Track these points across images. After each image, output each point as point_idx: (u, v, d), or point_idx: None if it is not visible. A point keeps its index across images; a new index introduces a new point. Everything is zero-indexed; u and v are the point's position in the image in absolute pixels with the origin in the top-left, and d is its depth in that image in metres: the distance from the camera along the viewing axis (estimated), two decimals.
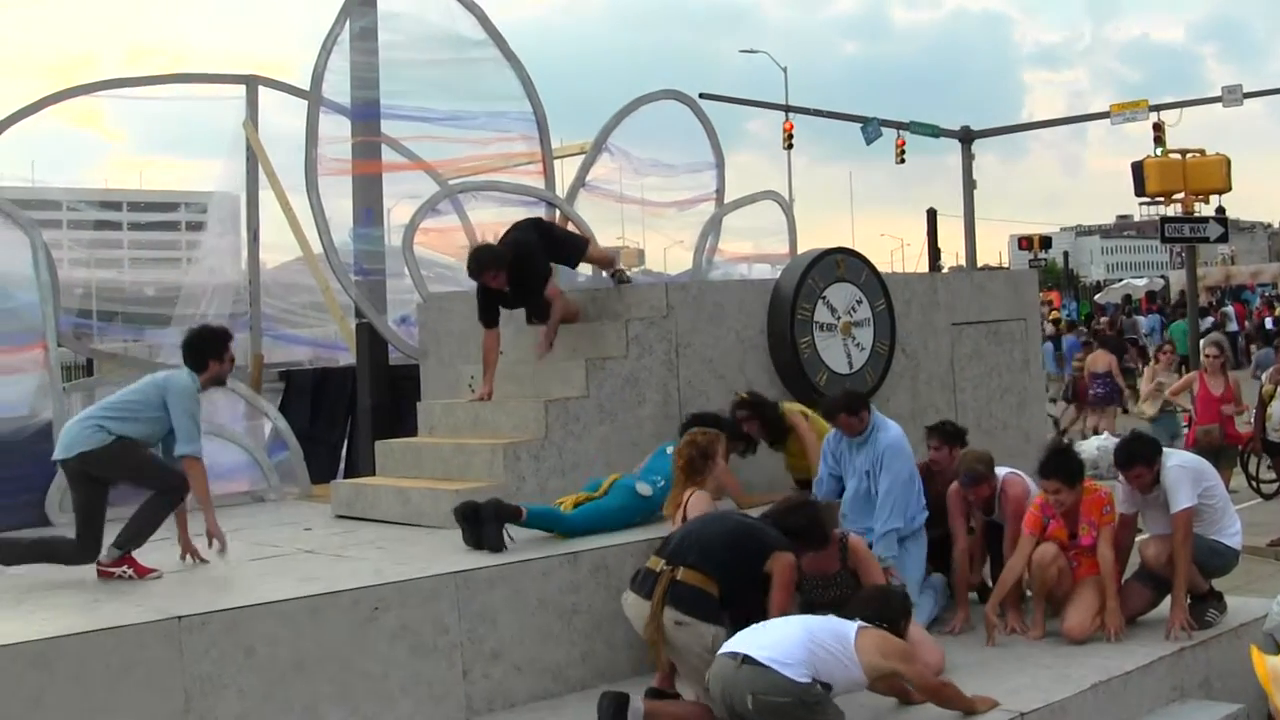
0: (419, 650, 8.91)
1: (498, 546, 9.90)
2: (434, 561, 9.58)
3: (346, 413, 16.26)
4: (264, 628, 8.33)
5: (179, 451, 9.73)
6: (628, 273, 13.02)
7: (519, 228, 12.82)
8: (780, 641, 8.05)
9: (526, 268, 12.18)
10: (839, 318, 13.39)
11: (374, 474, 12.84)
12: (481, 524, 10.02)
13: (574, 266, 13.78)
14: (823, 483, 11.28)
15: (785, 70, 64.90)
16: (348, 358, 18.36)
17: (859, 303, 13.62)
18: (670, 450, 10.77)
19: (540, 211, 16.60)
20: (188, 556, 9.99)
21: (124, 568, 9.52)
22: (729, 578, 8.51)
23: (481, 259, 12.13)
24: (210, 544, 9.85)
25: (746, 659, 7.94)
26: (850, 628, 8.28)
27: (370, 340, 15.48)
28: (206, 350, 10.10)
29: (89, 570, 9.54)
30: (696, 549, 8.57)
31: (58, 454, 9.73)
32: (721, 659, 8.09)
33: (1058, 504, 10.30)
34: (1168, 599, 10.42)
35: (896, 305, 13.95)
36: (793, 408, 12.18)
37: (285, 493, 14.08)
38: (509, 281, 12.11)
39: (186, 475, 9.78)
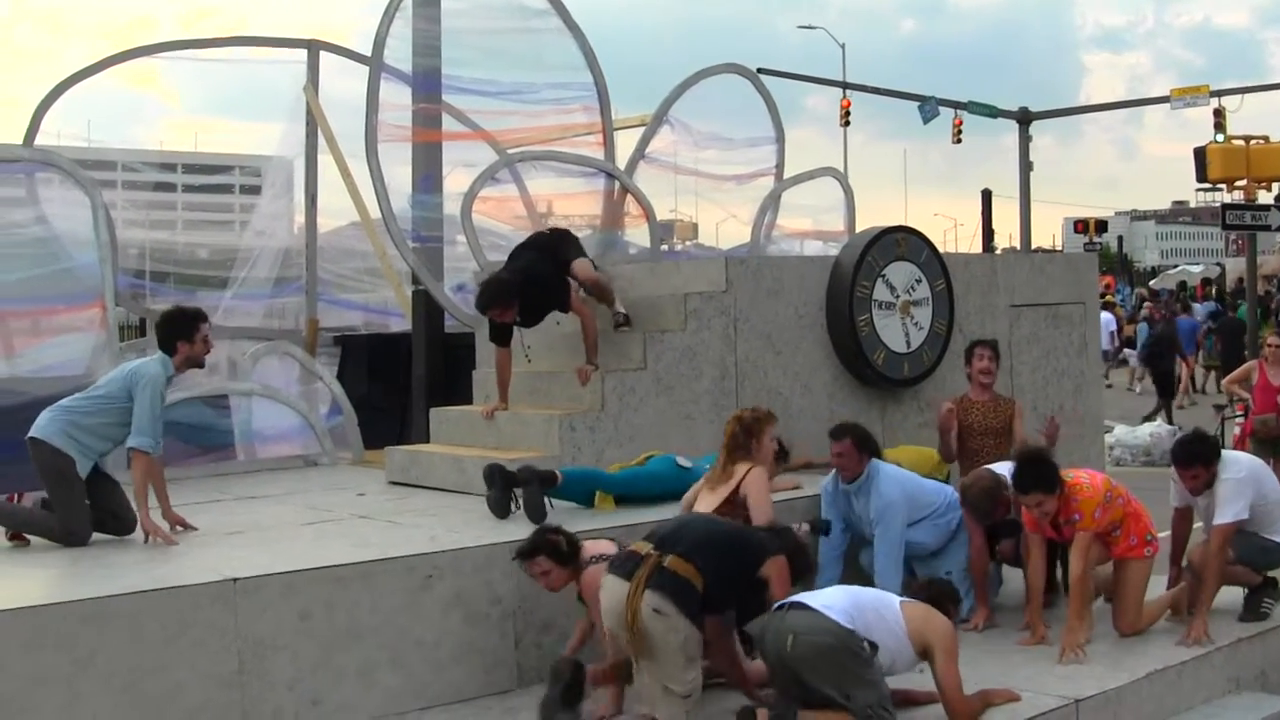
0: (471, 619, 8.93)
1: (539, 515, 9.90)
2: (488, 530, 9.58)
3: (402, 379, 16.23)
4: (319, 592, 8.33)
5: (129, 443, 9.58)
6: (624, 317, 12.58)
7: (533, 247, 12.49)
8: (825, 596, 8.07)
9: (537, 295, 11.89)
10: (898, 296, 13.34)
11: (428, 441, 12.85)
12: (519, 488, 10.08)
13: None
14: (832, 525, 10.77)
15: (843, 47, 64.86)
16: (398, 323, 18.36)
17: (918, 282, 13.56)
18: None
19: (599, 184, 16.58)
20: (176, 527, 9.87)
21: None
22: (716, 576, 8.08)
23: (488, 296, 11.77)
24: (146, 539, 9.48)
25: (794, 604, 7.92)
26: (894, 599, 8.25)
27: (426, 307, 15.45)
28: (175, 333, 9.89)
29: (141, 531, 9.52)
30: (688, 541, 8.22)
31: (30, 432, 9.68)
32: (769, 613, 8.02)
33: (1042, 514, 9.74)
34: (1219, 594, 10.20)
35: (956, 285, 13.89)
36: (894, 458, 11.60)
37: (338, 458, 14.08)
38: (520, 310, 11.84)
39: (131, 466, 9.65)
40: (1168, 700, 9.22)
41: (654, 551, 8.06)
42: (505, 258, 14.83)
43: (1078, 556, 9.66)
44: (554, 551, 8.63)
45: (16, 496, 9.63)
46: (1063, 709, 8.44)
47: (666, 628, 7.83)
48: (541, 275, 11.95)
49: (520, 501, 10.10)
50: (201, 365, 10.34)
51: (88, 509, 9.52)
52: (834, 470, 10.67)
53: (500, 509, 10.09)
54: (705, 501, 9.87)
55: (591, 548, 8.78)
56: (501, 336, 11.97)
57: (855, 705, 7.65)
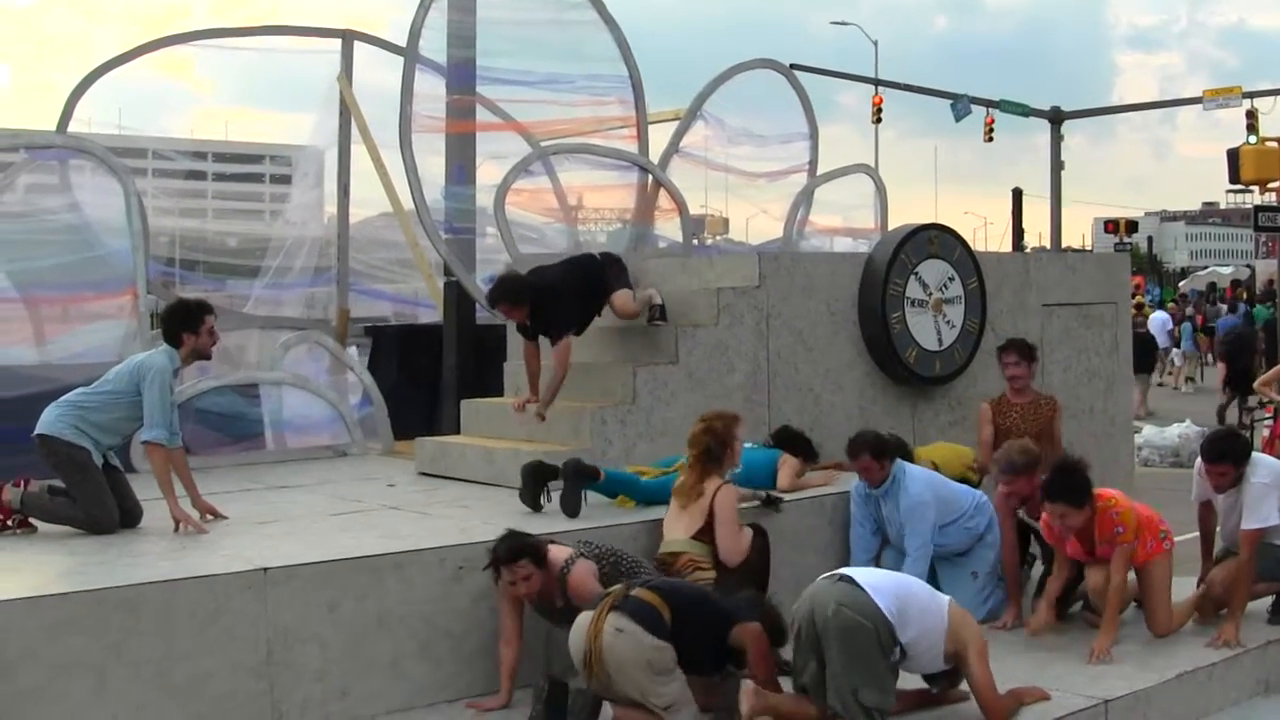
0: None
1: (574, 510, 9.88)
2: (520, 523, 9.52)
3: (432, 370, 16.22)
4: (349, 582, 8.33)
5: (142, 437, 9.63)
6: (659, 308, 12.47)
7: (575, 266, 12.22)
8: (880, 577, 8.10)
9: (545, 312, 11.66)
10: (931, 294, 13.32)
11: (458, 433, 12.85)
12: (556, 482, 10.03)
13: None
14: (855, 527, 10.76)
15: (876, 43, 64.77)
16: (427, 314, 18.37)
17: (951, 280, 13.54)
18: (749, 446, 10.68)
19: (632, 177, 16.53)
20: (207, 515, 9.87)
21: (10, 521, 9.56)
22: (683, 618, 7.84)
23: (498, 292, 11.68)
24: (177, 528, 9.47)
25: (845, 577, 7.92)
26: (945, 597, 8.25)
27: (458, 299, 15.43)
28: (179, 324, 9.90)
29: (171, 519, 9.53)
30: (657, 584, 8.16)
31: (36, 430, 9.69)
32: (818, 581, 8.02)
33: (1065, 528, 9.66)
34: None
35: (988, 284, 13.89)
36: (928, 456, 11.80)
37: (368, 448, 14.10)
38: (529, 316, 11.68)
39: (148, 459, 9.71)
40: (1197, 702, 9.19)
41: (620, 588, 7.99)
42: (537, 250, 14.82)
43: (1119, 567, 9.64)
44: (535, 555, 8.39)
45: (24, 482, 9.60)
46: (1092, 709, 8.42)
47: (631, 645, 7.66)
48: (558, 297, 11.69)
49: (552, 495, 10.09)
50: (208, 358, 10.41)
51: (111, 496, 9.54)
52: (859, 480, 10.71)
53: (533, 501, 10.07)
54: (681, 524, 9.66)
55: (556, 552, 8.57)
56: (528, 329, 11.92)
57: (856, 701, 7.61)
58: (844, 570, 8.14)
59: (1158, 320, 38.38)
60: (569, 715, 7.83)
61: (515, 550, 8.34)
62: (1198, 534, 10.81)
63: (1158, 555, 9.95)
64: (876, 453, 10.43)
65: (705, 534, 9.55)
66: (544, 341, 11.84)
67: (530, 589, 8.37)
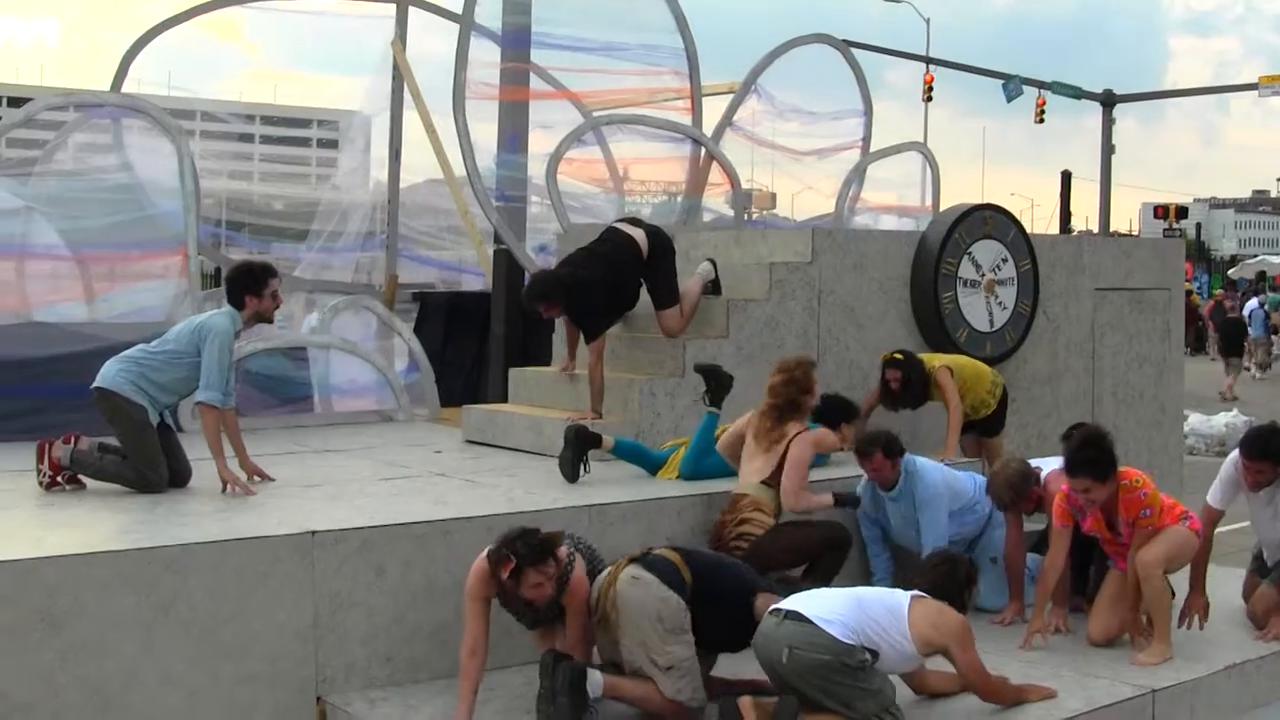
0: None
1: (572, 476, 9.90)
2: (567, 493, 9.55)
3: (479, 338, 16.22)
4: (397, 548, 8.32)
5: (197, 397, 9.59)
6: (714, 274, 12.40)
7: (611, 262, 11.70)
8: (828, 603, 7.67)
9: (579, 306, 11.50)
10: (983, 275, 13.27)
11: (505, 401, 12.83)
12: (598, 451, 10.07)
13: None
14: (865, 530, 10.48)
15: (928, 21, 64.39)
16: (472, 281, 18.38)
17: (1004, 261, 13.48)
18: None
19: (685, 150, 16.48)
20: (254, 477, 9.89)
21: (60, 477, 9.56)
22: (703, 583, 7.76)
23: (536, 291, 11.44)
24: (225, 489, 9.47)
25: (790, 614, 7.55)
26: (904, 599, 7.85)
27: (507, 267, 15.41)
28: (244, 287, 9.88)
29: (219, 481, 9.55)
30: (678, 547, 8.10)
31: (95, 383, 9.70)
32: (766, 618, 7.65)
33: (1088, 502, 9.17)
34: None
35: (1041, 266, 13.82)
36: (935, 360, 11.94)
37: (414, 414, 14.10)
38: (564, 310, 11.56)
39: (200, 419, 9.72)
40: (1244, 694, 9.12)
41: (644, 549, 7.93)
42: (586, 220, 14.75)
43: (1142, 549, 9.14)
44: (555, 553, 7.64)
45: (74, 439, 9.62)
46: (1140, 698, 8.35)
47: (644, 594, 7.58)
48: (592, 295, 11.49)
49: (589, 466, 10.08)
50: (270, 321, 10.37)
51: (162, 456, 9.55)
52: (869, 481, 10.39)
53: (570, 471, 10.01)
54: (754, 466, 9.67)
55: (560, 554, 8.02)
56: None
57: (858, 714, 7.44)
58: (788, 605, 7.66)
59: (1254, 308, 38.40)
60: (555, 688, 7.45)
61: (543, 548, 7.56)
62: (1235, 527, 10.54)
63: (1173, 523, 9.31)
64: (888, 449, 10.17)
65: (775, 479, 9.55)
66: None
67: (543, 594, 7.63)
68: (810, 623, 7.45)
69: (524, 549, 7.49)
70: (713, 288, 12.04)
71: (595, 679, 7.50)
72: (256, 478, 9.84)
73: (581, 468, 10.05)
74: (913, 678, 8.05)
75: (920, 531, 10.11)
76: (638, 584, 7.61)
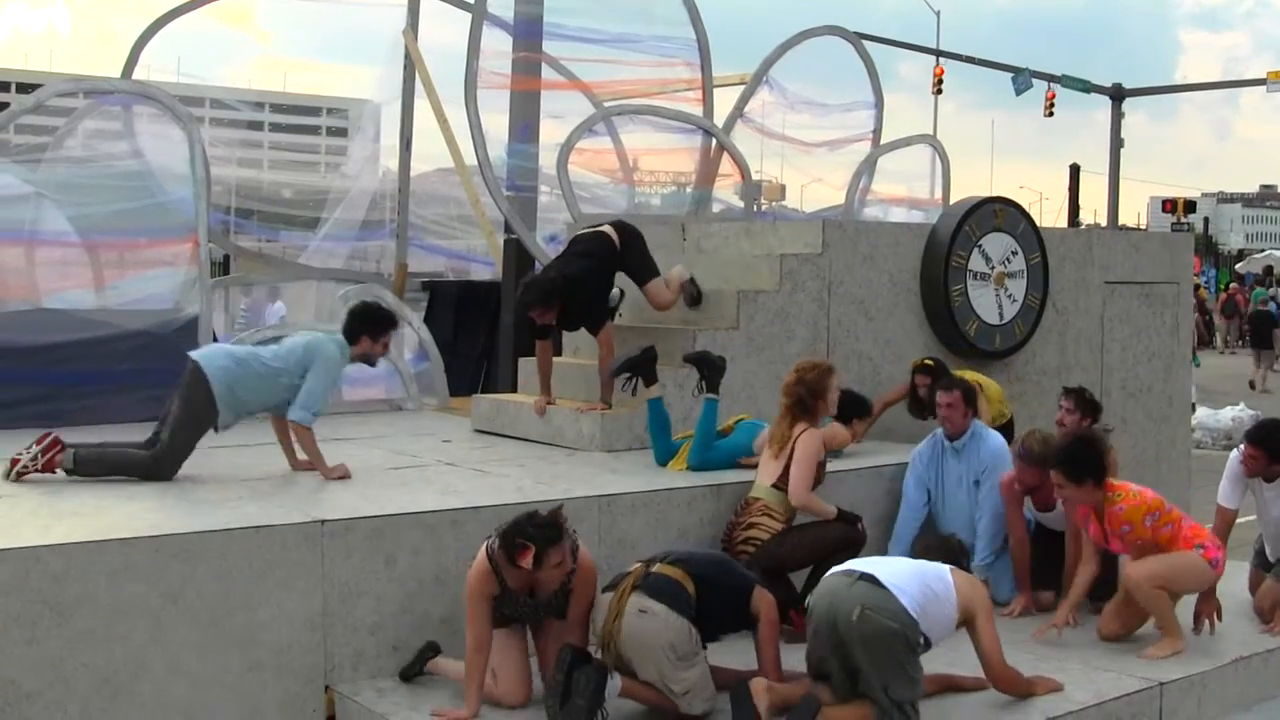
0: None
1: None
2: (577, 483, 9.53)
3: (489, 327, 16.23)
4: (406, 538, 8.30)
5: (292, 416, 9.56)
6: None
7: (591, 258, 11.67)
8: (899, 571, 7.69)
9: (576, 307, 11.46)
10: (993, 267, 13.27)
11: (514, 390, 12.83)
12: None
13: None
14: (909, 493, 10.45)
15: (938, 14, 64.30)
16: (480, 270, 18.39)
17: (1014, 254, 13.49)
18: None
19: (695, 140, 16.48)
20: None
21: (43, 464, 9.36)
22: (706, 587, 7.69)
23: (532, 296, 11.29)
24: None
25: (864, 575, 7.55)
26: (944, 568, 7.88)
27: (517, 256, 15.41)
28: (364, 328, 9.85)
29: (231, 469, 9.56)
30: (677, 555, 7.95)
31: (196, 352, 9.66)
32: (834, 576, 7.67)
33: (1061, 497, 9.27)
34: None
35: (1051, 259, 13.83)
36: (966, 377, 11.75)
37: (423, 403, 14.09)
38: (561, 311, 11.43)
39: (296, 436, 9.72)
40: (1251, 687, 9.12)
41: (641, 565, 7.82)
42: (595, 210, 14.75)
43: (1131, 566, 9.12)
44: (565, 529, 7.58)
45: (60, 444, 9.43)
46: (1147, 691, 8.34)
47: (656, 625, 7.48)
48: (587, 289, 11.49)
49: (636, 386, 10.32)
50: (372, 364, 10.26)
51: (186, 457, 9.48)
52: (931, 435, 10.46)
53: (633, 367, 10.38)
54: (768, 470, 9.61)
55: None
56: (540, 332, 11.70)
57: (887, 697, 7.39)
58: (862, 566, 7.74)
59: None
60: (575, 689, 7.34)
61: (555, 526, 7.52)
62: (1254, 517, 10.51)
63: (1184, 548, 9.17)
64: (967, 397, 10.18)
65: (785, 481, 9.48)
66: (587, 336, 11.84)
67: (555, 579, 7.60)
68: (884, 588, 7.46)
69: (537, 532, 7.45)
70: (694, 293, 12.02)
71: (614, 684, 7.48)
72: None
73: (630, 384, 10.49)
74: None
75: (980, 499, 10.09)
76: (646, 617, 7.50)
